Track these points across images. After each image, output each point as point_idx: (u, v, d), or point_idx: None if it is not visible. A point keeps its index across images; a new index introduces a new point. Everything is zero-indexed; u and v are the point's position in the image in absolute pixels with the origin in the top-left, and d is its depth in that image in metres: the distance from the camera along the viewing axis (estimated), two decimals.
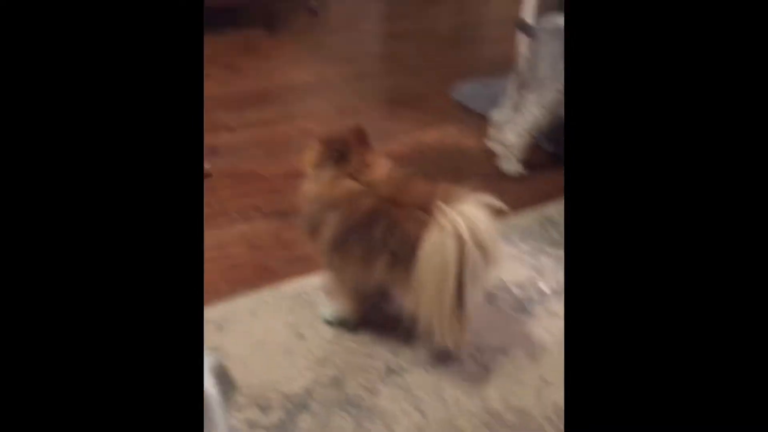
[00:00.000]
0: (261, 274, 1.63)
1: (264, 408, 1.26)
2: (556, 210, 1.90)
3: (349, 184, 1.28)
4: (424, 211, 1.20)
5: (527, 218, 1.87)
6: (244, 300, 1.54)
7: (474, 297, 1.23)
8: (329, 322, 1.46)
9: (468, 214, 1.18)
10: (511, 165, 2.08)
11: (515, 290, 1.59)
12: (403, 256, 1.21)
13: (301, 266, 1.63)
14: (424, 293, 1.21)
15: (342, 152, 1.29)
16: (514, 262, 1.69)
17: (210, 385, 0.69)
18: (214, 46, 3.04)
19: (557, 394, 1.29)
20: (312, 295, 1.54)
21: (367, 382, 1.33)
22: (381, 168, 1.31)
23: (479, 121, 2.34)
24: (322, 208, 1.30)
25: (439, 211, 1.18)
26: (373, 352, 1.40)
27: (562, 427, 1.22)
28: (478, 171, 2.09)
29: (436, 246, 1.17)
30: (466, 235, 1.15)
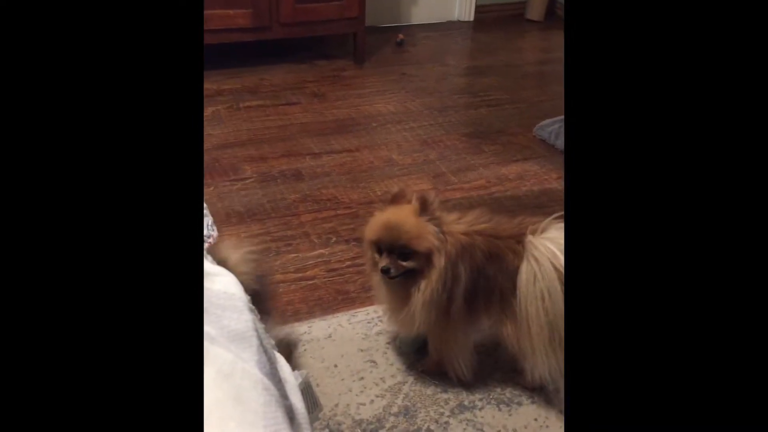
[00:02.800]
0: (338, 298, 1.66)
1: None
2: None
3: (459, 228, 1.26)
4: (518, 242, 1.23)
5: None
6: (320, 323, 1.57)
7: None
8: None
9: (559, 242, 1.20)
10: None
11: None
12: (509, 289, 1.23)
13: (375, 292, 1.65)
14: (530, 326, 1.21)
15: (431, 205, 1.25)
16: None
17: (298, 401, 0.71)
18: (303, 75, 3.16)
19: None
20: (386, 323, 1.55)
21: (438, 416, 1.32)
22: (452, 216, 1.30)
23: (561, 158, 2.31)
24: (456, 262, 1.23)
25: (531, 242, 1.21)
26: (446, 386, 1.39)
27: None
28: (558, 209, 2.05)
29: (532, 277, 1.19)
30: (559, 264, 1.17)
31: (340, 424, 1.29)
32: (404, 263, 1.24)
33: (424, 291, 1.24)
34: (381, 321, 1.56)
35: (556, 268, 1.17)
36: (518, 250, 1.22)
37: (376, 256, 1.26)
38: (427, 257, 1.23)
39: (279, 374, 0.70)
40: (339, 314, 1.60)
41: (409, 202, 1.26)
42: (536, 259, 1.19)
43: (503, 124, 2.70)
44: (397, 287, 1.28)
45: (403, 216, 1.24)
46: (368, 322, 1.57)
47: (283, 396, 0.67)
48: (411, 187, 2.09)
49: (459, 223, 1.27)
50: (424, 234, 1.22)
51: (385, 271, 1.24)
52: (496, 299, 1.26)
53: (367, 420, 1.30)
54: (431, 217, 1.23)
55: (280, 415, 0.60)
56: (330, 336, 1.53)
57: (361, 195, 2.12)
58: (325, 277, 1.73)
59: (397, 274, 1.24)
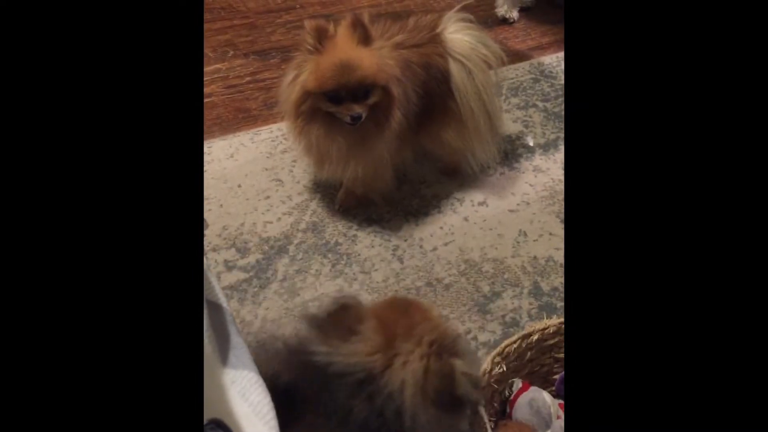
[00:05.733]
0: (238, 116, 1.56)
1: (242, 250, 1.26)
2: (549, 62, 1.81)
3: (386, 46, 1.18)
4: (436, 44, 1.22)
5: (520, 70, 1.78)
6: (221, 142, 1.48)
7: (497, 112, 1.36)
8: None
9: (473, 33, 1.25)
10: (506, 10, 1.95)
11: (501, 144, 1.55)
12: (445, 93, 1.24)
13: (279, 109, 1.56)
14: (473, 120, 1.27)
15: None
16: (503, 115, 1.63)
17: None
18: None
19: (534, 247, 1.30)
20: (291, 141, 1.49)
21: (346, 229, 1.32)
22: None
23: None
24: (405, 84, 1.19)
25: (449, 41, 1.23)
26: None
27: (536, 278, 1.24)
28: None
29: (465, 74, 1.23)
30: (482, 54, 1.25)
31: (246, 242, 1.28)
32: (367, 103, 1.12)
33: (391, 125, 1.16)
34: (285, 139, 1.49)
35: (482, 60, 1.24)
36: (440, 51, 1.22)
37: (330, 105, 1.12)
38: (384, 89, 1.13)
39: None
40: (240, 133, 1.51)
41: (333, 34, 1.10)
42: (463, 56, 1.22)
43: None
44: (353, 133, 1.16)
45: (350, 52, 1.10)
46: (272, 141, 1.50)
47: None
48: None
49: (381, 41, 1.17)
50: (381, 65, 1.12)
51: (357, 118, 1.11)
52: (437, 108, 1.25)
53: (275, 237, 1.29)
54: (374, 43, 1.12)
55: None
56: (232, 156, 1.46)
57: (260, 2, 1.93)
58: (223, 94, 1.61)
59: (364, 117, 1.13)
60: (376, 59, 1.11)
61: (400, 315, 0.76)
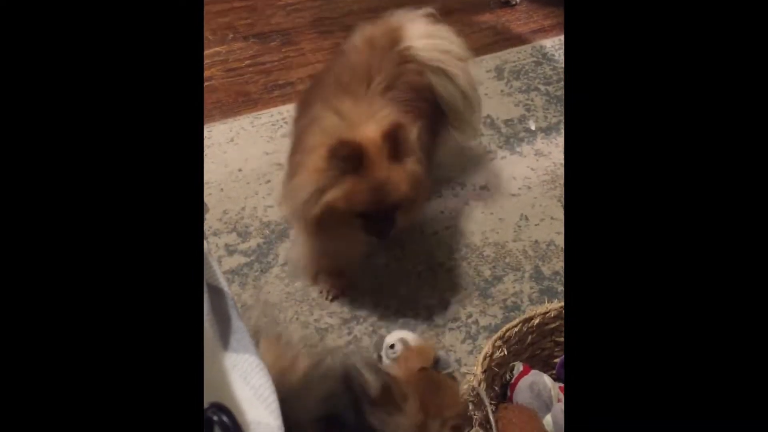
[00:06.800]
0: (238, 100, 1.55)
1: (243, 234, 1.26)
2: (552, 45, 1.79)
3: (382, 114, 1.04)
4: (406, 62, 1.12)
5: (522, 53, 1.77)
6: (221, 126, 1.47)
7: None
8: None
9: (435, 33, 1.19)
10: None
11: (503, 128, 1.54)
12: (433, 107, 1.18)
13: (279, 93, 1.55)
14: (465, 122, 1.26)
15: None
16: (505, 98, 1.63)
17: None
18: None
19: (535, 231, 1.30)
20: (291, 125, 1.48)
21: None
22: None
23: None
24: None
25: (416, 51, 1.14)
26: None
27: (537, 262, 1.24)
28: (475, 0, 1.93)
29: (447, 82, 1.17)
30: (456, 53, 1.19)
31: (247, 227, 1.27)
32: (396, 216, 1.01)
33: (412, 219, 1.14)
34: (286, 123, 1.48)
35: (457, 58, 1.19)
36: (416, 68, 1.12)
37: (358, 221, 0.99)
38: (415, 200, 1.04)
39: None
40: (241, 117, 1.50)
41: (362, 150, 0.94)
42: (440, 61, 1.15)
43: None
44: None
45: (385, 170, 0.95)
46: (272, 125, 1.49)
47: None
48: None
49: (385, 110, 1.02)
50: (414, 182, 0.99)
51: (386, 237, 1.03)
52: (435, 127, 1.18)
53: (276, 221, 1.29)
54: (406, 154, 0.99)
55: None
56: (232, 140, 1.45)
57: None
58: (223, 78, 1.60)
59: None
60: (409, 176, 0.98)
61: (433, 395, 0.87)
